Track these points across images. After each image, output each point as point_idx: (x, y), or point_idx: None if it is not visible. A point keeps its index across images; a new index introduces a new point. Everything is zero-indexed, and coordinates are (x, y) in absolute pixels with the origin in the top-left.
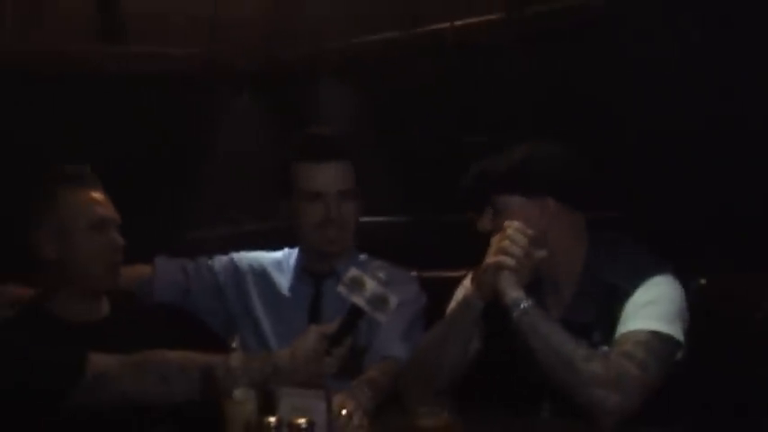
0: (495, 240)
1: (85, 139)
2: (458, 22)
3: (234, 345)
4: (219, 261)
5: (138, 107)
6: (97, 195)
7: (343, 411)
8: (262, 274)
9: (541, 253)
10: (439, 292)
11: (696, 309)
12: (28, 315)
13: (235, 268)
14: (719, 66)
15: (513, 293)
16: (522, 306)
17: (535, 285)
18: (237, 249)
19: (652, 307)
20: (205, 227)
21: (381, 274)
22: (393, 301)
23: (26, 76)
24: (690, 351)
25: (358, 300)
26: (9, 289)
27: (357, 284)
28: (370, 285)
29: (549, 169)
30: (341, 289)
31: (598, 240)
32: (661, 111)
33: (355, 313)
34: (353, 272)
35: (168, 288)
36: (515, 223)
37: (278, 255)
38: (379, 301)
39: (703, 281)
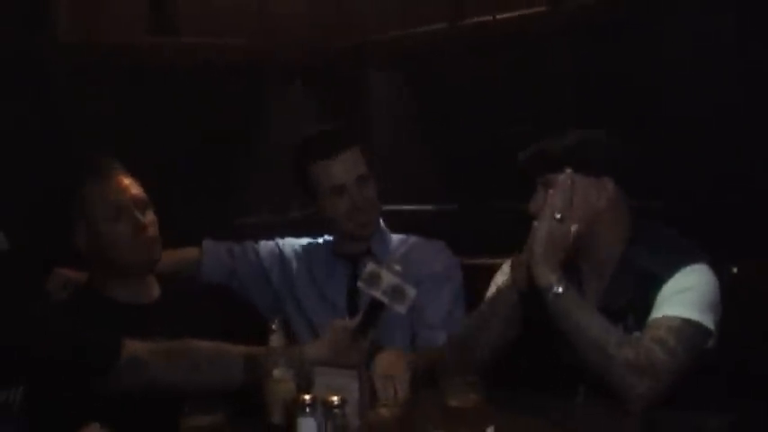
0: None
1: (138, 129)
2: (500, 15)
3: (274, 326)
4: (265, 245)
5: (189, 98)
6: (117, 183)
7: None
8: (305, 258)
9: (575, 227)
10: (484, 279)
11: (728, 296)
12: (80, 297)
13: (279, 252)
14: (758, 57)
15: (548, 277)
16: (556, 290)
17: (575, 269)
18: (283, 235)
19: (685, 294)
20: (252, 213)
21: (398, 267)
22: (411, 292)
23: (80, 68)
24: (721, 338)
25: (376, 293)
26: (62, 272)
27: (374, 279)
28: (387, 278)
29: (609, 150)
30: (360, 284)
31: (637, 227)
32: (700, 101)
33: (376, 306)
34: (371, 267)
35: (215, 269)
36: (570, 173)
37: (319, 240)
38: (396, 293)
39: (735, 269)
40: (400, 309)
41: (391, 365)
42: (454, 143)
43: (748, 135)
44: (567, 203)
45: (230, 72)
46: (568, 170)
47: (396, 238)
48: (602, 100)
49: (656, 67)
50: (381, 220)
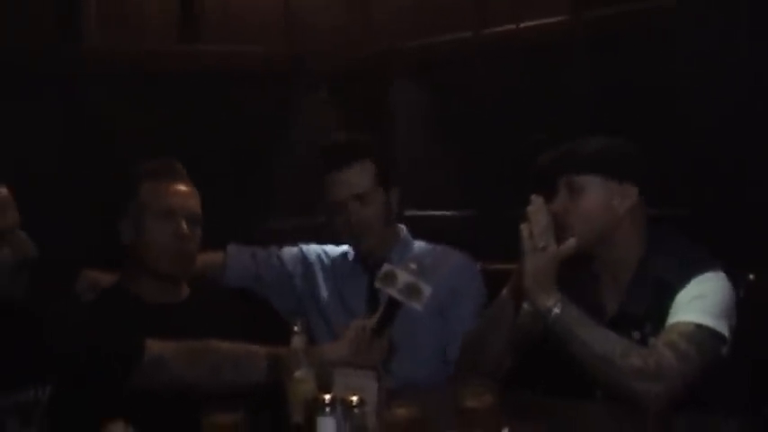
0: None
1: (165, 134)
2: (523, 24)
3: (296, 329)
4: (289, 251)
5: (216, 104)
6: (175, 187)
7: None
8: (328, 265)
9: (570, 243)
10: (503, 284)
11: (745, 304)
12: (109, 296)
13: (303, 258)
14: None
15: (544, 302)
16: (555, 312)
17: (593, 276)
18: (307, 241)
19: (699, 301)
20: (277, 219)
21: (413, 266)
22: (426, 289)
23: (108, 74)
24: (736, 345)
25: (392, 292)
26: (91, 273)
27: (390, 278)
28: (402, 277)
29: (634, 157)
30: (377, 284)
31: (653, 235)
32: (718, 109)
33: (392, 304)
34: (386, 267)
35: (239, 274)
36: (537, 200)
37: (344, 247)
38: (412, 291)
39: (752, 276)
40: (417, 306)
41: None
42: (476, 150)
43: (765, 142)
44: (544, 230)
45: (257, 79)
46: (534, 196)
47: (420, 246)
48: (622, 109)
49: (676, 77)
50: (405, 229)
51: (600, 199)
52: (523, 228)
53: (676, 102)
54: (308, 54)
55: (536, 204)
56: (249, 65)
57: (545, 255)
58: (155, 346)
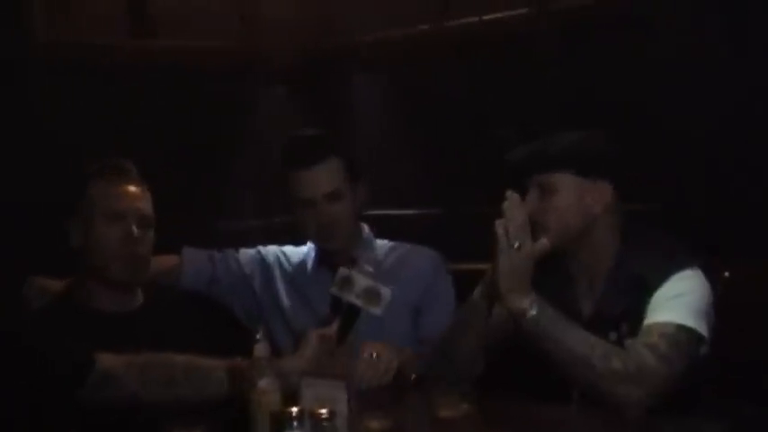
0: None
1: (116, 132)
2: (487, 17)
3: (258, 336)
4: (246, 252)
5: (169, 101)
6: (125, 188)
7: (374, 354)
8: (287, 266)
9: (543, 243)
10: (470, 285)
11: (721, 301)
12: (59, 305)
13: (261, 260)
14: (752, 57)
15: (520, 303)
16: (530, 313)
17: (566, 276)
18: (266, 242)
19: (679, 300)
20: (235, 219)
21: (370, 268)
22: (385, 292)
23: (56, 68)
24: (714, 343)
25: (350, 298)
26: (40, 280)
27: (347, 283)
28: (360, 282)
29: (607, 152)
30: (333, 290)
31: (629, 231)
32: (691, 103)
33: (351, 311)
34: (342, 271)
35: (196, 278)
36: (513, 196)
37: (303, 248)
38: (371, 295)
39: (727, 273)
40: (375, 311)
41: (377, 348)
42: (440, 147)
43: (741, 137)
44: (520, 227)
45: (212, 75)
46: (510, 192)
47: (383, 245)
48: (589, 102)
49: (645, 69)
50: (367, 228)
51: (573, 197)
52: (498, 225)
53: (646, 94)
54: (264, 49)
55: (512, 200)
56: (203, 61)
57: (521, 253)
58: (105, 360)
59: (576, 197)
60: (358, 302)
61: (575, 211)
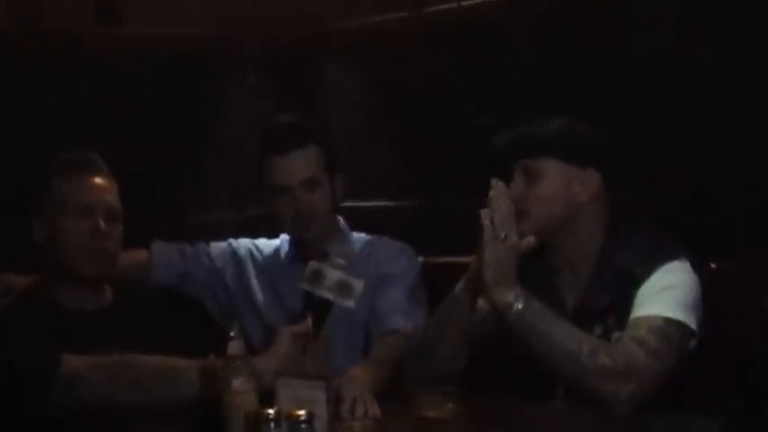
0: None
1: (82, 123)
2: (465, 2)
3: (232, 333)
4: (217, 246)
5: (136, 90)
6: (92, 181)
7: (351, 396)
8: (260, 260)
9: (529, 240)
10: (447, 278)
11: (707, 293)
12: (26, 303)
13: (233, 253)
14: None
15: (505, 296)
16: (516, 307)
17: (550, 269)
18: (239, 235)
19: (667, 293)
20: (205, 212)
21: (341, 261)
22: (357, 284)
23: (20, 58)
24: (702, 336)
25: (322, 292)
26: (4, 276)
27: (317, 277)
28: (331, 275)
29: (596, 139)
30: (304, 285)
31: (615, 222)
32: (675, 93)
33: (323, 306)
34: (312, 265)
35: (167, 273)
36: (499, 185)
37: (276, 241)
38: (342, 288)
39: (714, 265)
40: (348, 303)
41: (358, 384)
42: (417, 137)
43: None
44: (505, 217)
45: (180, 64)
46: (495, 180)
47: (359, 238)
48: (571, 90)
49: (627, 56)
50: (342, 220)
51: (558, 184)
52: (484, 215)
53: (628, 82)
54: (235, 37)
55: (497, 189)
56: (172, 49)
57: (506, 245)
58: (72, 361)
59: (562, 184)
60: (329, 296)
61: (560, 199)
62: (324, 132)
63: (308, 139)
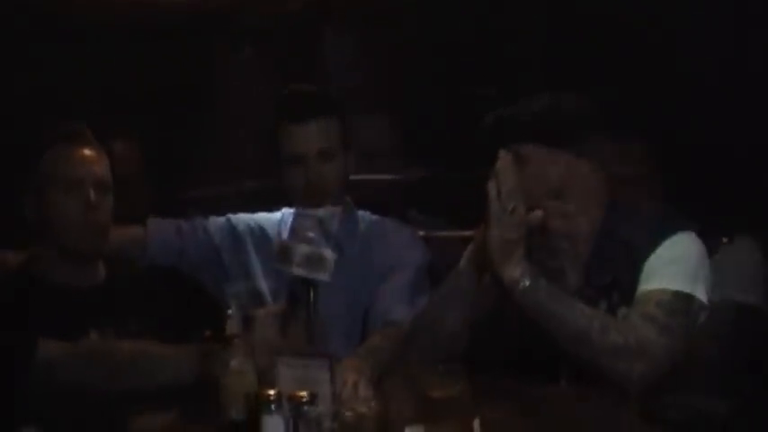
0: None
1: (73, 92)
2: None
3: (230, 312)
4: (215, 221)
5: (132, 61)
6: (80, 153)
7: (347, 384)
8: (260, 235)
9: (536, 214)
10: (447, 252)
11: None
12: (16, 279)
13: (231, 228)
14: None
15: (512, 273)
16: (523, 284)
17: (552, 248)
18: (236, 209)
19: (675, 266)
20: (202, 186)
21: (311, 234)
22: (329, 255)
23: (8, 26)
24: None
25: (292, 268)
26: None
27: (285, 253)
28: (301, 249)
29: (578, 118)
30: (275, 265)
31: (617, 195)
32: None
33: (303, 283)
34: (278, 242)
35: (162, 250)
36: (506, 157)
37: (277, 215)
38: (314, 262)
39: (726, 239)
40: (323, 276)
41: (351, 371)
42: (419, 109)
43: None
44: (512, 189)
45: (175, 33)
46: (503, 152)
47: (366, 219)
48: (575, 55)
49: (645, 20)
50: (349, 199)
51: (546, 168)
52: (491, 186)
53: (640, 42)
54: (231, 8)
55: (504, 161)
56: (167, 18)
57: (513, 218)
58: (48, 347)
59: (545, 168)
60: (301, 272)
61: (540, 182)
62: (343, 105)
63: (328, 110)
